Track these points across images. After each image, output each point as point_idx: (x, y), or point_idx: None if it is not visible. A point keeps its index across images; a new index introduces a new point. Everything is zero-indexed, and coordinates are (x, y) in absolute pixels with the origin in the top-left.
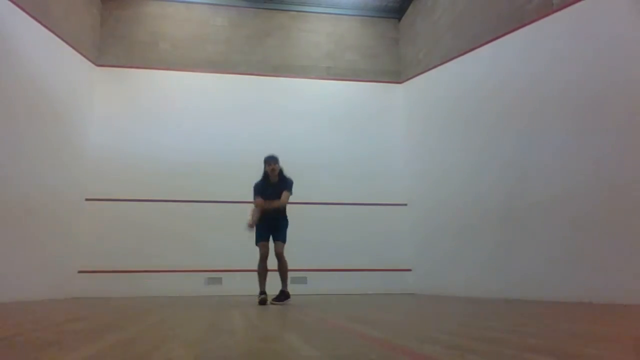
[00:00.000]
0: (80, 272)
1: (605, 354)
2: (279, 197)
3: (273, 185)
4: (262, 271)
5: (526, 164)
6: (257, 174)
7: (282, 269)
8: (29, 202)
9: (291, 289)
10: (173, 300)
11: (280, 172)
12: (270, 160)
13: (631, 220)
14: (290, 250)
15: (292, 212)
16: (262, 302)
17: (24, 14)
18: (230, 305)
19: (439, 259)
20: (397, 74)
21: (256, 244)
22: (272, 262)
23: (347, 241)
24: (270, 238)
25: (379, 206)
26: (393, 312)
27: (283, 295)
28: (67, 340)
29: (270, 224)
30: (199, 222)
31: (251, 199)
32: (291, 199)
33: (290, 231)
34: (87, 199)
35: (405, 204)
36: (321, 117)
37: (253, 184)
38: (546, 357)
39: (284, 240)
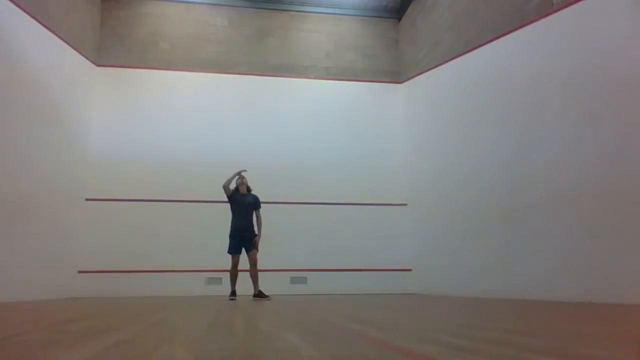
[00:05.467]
0: (80, 272)
1: (606, 354)
2: (245, 203)
3: (242, 194)
4: (234, 274)
5: (526, 163)
6: (257, 173)
7: (254, 274)
8: (29, 202)
9: (291, 288)
10: (173, 300)
11: (248, 186)
12: (239, 179)
13: (631, 220)
14: (290, 250)
15: (292, 212)
16: (232, 300)
17: (24, 14)
18: (230, 306)
19: (439, 259)
20: (397, 74)
21: (228, 253)
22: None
23: (347, 241)
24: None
25: (378, 206)
26: (393, 312)
27: (261, 295)
28: (67, 340)
29: (243, 239)
30: (199, 222)
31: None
32: (290, 198)
33: (289, 231)
34: (87, 199)
35: (405, 204)
36: (321, 117)
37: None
38: (546, 357)
39: (255, 249)
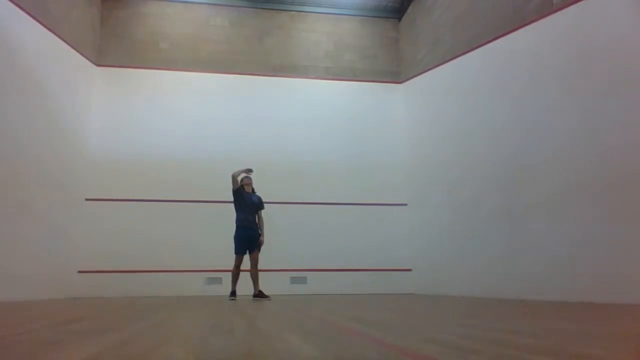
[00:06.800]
0: (80, 272)
1: (605, 354)
2: (251, 201)
3: (247, 193)
4: (236, 274)
5: (526, 163)
6: (256, 173)
7: (254, 274)
8: (29, 202)
9: (291, 288)
10: (173, 300)
11: (252, 187)
12: (246, 178)
13: (632, 220)
14: (290, 250)
15: (292, 212)
16: (232, 300)
17: (24, 14)
18: (230, 305)
19: (439, 259)
20: (397, 74)
21: (235, 253)
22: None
23: (347, 241)
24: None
25: (379, 206)
26: (393, 312)
27: (261, 295)
28: (67, 340)
29: (248, 241)
30: (199, 222)
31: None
32: (290, 198)
33: (290, 231)
34: (87, 199)
35: (405, 204)
36: (321, 117)
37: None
38: (546, 357)
39: (258, 250)
